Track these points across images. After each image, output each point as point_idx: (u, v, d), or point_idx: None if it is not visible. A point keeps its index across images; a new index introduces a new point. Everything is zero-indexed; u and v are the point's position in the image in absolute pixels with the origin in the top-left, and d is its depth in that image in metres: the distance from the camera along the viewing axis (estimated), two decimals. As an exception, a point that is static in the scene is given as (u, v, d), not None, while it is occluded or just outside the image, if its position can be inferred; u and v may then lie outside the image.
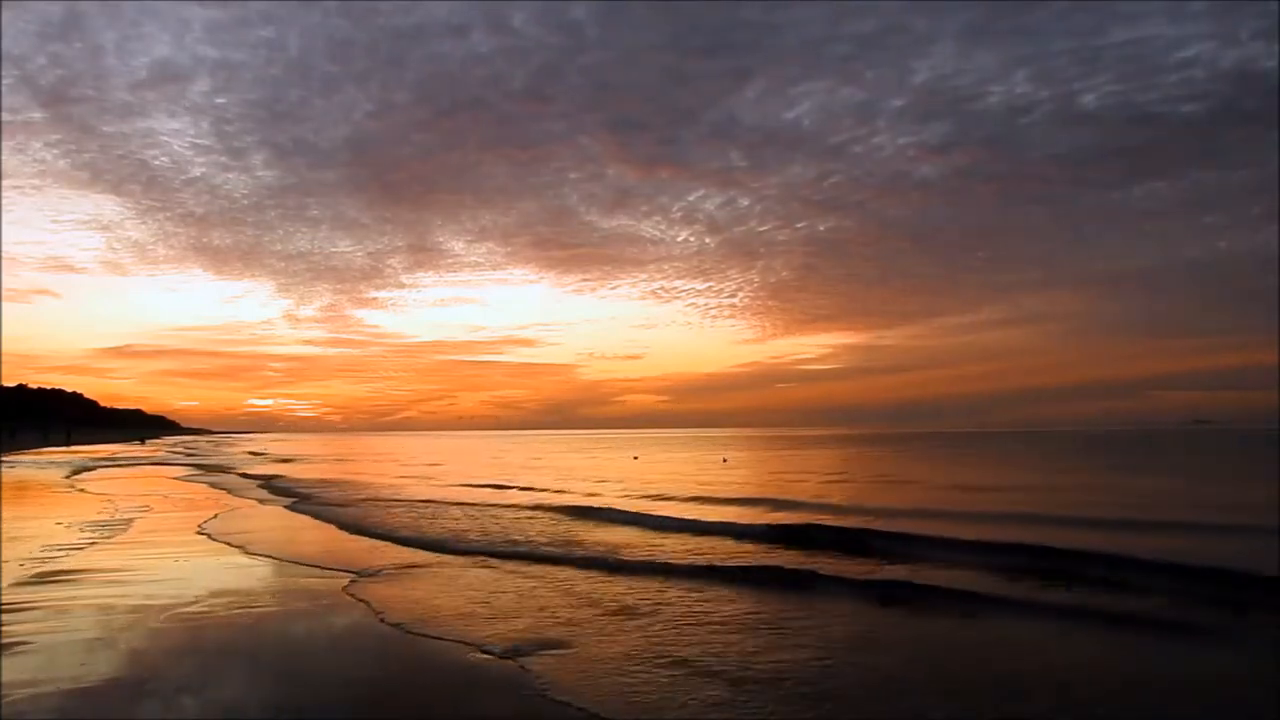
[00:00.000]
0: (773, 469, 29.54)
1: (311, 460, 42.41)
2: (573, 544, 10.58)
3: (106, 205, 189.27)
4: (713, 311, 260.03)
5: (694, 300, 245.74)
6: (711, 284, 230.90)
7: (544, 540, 10.94)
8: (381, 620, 6.39)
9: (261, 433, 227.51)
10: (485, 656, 5.42)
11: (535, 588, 7.79)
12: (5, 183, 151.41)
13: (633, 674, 5.03)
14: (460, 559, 9.45)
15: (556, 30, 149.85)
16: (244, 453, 54.03)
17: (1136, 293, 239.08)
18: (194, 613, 6.61)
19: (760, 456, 41.64)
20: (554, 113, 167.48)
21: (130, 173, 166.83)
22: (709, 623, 6.30)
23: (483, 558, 9.50)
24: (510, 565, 9.01)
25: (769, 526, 12.10)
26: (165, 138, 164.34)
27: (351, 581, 8.04)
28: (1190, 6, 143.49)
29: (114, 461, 38.22)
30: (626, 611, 6.73)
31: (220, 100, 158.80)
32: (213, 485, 22.70)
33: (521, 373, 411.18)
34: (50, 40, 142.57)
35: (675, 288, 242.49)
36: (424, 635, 5.98)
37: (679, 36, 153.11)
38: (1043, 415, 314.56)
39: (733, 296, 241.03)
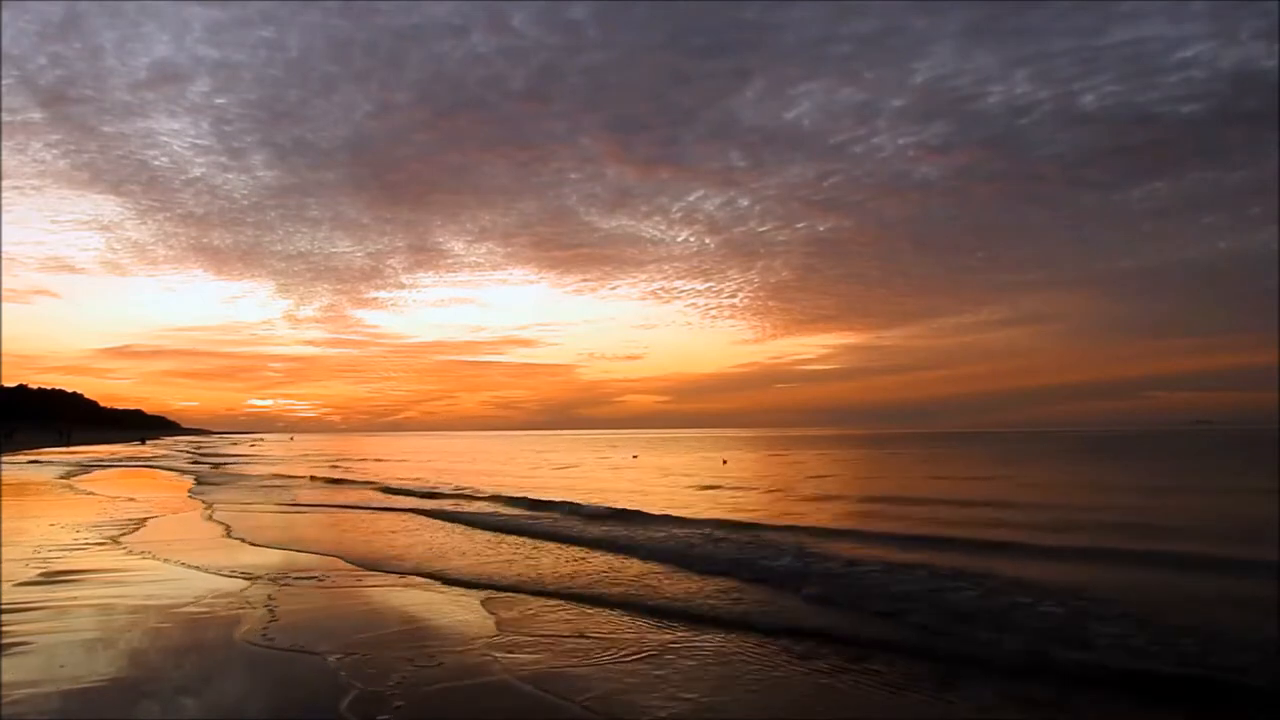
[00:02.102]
0: (734, 470, 29.89)
1: (289, 461, 43.03)
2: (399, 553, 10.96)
3: (106, 205, 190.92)
4: (713, 311, 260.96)
5: (694, 300, 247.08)
6: (711, 284, 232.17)
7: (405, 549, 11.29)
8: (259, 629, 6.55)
9: (265, 433, 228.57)
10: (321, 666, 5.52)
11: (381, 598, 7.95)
12: (5, 183, 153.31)
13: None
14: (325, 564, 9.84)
15: (556, 30, 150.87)
16: (231, 454, 54.75)
17: (1136, 293, 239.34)
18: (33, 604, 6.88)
19: (756, 458, 41.86)
20: (554, 113, 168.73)
21: (130, 173, 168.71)
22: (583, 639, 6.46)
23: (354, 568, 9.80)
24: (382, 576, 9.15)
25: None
26: (165, 138, 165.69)
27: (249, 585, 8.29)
28: (1190, 6, 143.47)
29: (109, 463, 38.68)
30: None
31: (220, 100, 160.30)
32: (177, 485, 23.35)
33: (521, 373, 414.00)
34: (50, 40, 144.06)
35: (675, 288, 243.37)
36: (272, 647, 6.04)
37: (679, 36, 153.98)
38: (1043, 415, 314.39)
39: (733, 297, 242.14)
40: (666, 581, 8.37)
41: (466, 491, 20.48)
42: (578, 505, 15.73)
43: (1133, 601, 6.73)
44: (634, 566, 9.35)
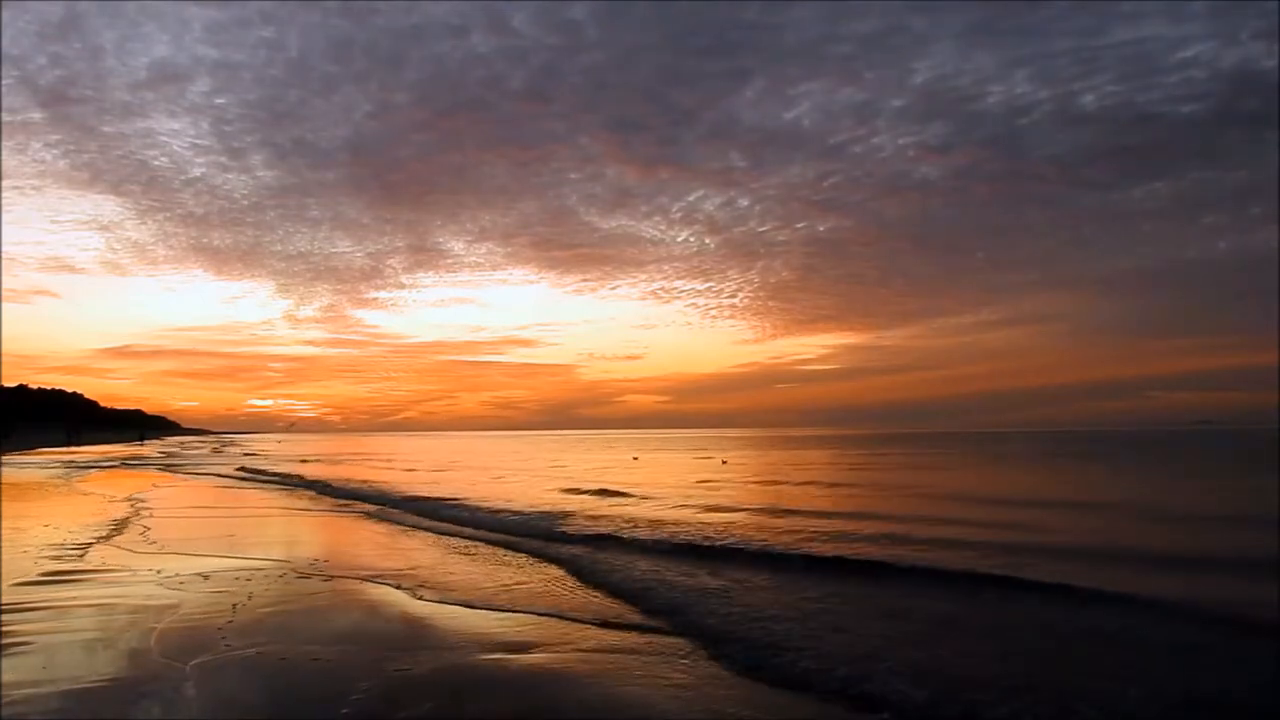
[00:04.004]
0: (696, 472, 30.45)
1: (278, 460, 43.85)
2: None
3: (106, 205, 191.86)
4: (713, 312, 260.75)
5: (694, 300, 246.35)
6: (711, 284, 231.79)
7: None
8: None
9: (265, 433, 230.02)
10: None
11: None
12: (5, 183, 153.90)
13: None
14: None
15: (556, 30, 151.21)
16: (208, 455, 55.69)
17: (1136, 293, 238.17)
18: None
19: (753, 459, 42.52)
20: (554, 113, 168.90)
21: (130, 173, 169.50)
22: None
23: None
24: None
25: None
26: (165, 138, 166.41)
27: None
28: (1190, 6, 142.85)
29: (108, 463, 39.44)
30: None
31: (220, 100, 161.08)
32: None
33: (521, 373, 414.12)
34: (50, 40, 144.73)
35: (675, 288, 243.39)
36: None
37: (679, 36, 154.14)
38: (1043, 416, 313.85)
39: (733, 297, 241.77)
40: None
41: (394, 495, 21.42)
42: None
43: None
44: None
